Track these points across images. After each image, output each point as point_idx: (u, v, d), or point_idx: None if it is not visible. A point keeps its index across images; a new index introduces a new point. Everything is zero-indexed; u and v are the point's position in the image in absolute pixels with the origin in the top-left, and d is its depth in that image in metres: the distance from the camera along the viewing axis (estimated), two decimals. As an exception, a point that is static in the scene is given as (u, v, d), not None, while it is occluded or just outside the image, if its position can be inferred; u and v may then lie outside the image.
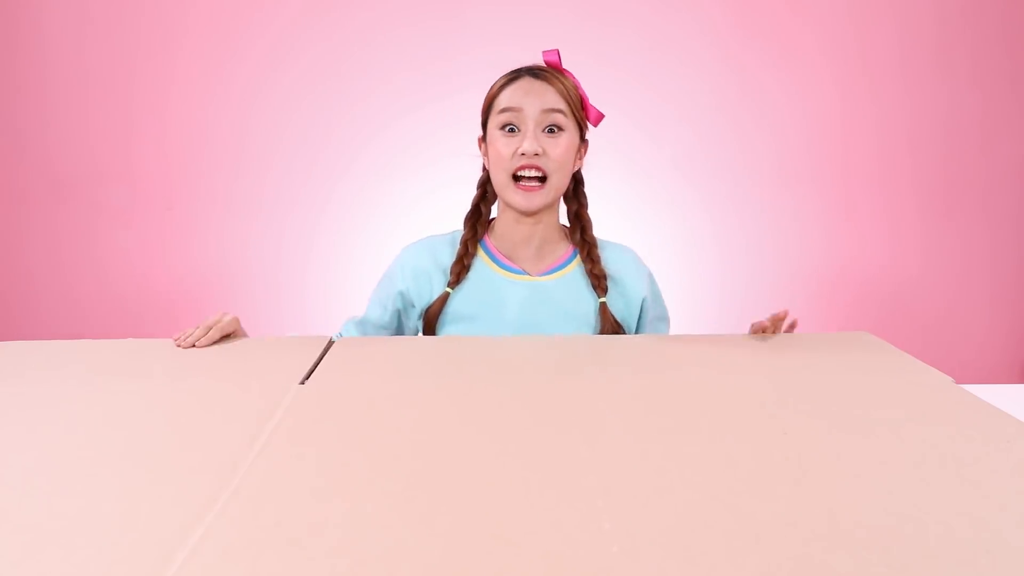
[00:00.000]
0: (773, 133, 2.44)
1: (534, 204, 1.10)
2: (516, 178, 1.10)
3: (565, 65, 1.13)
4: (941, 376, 0.86)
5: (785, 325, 1.07)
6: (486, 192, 1.20)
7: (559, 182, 1.11)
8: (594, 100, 1.15)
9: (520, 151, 1.07)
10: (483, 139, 1.17)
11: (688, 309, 2.45)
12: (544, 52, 1.13)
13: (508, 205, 1.13)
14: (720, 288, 2.52)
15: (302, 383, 0.83)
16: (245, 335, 1.10)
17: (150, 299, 2.52)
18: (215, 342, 1.03)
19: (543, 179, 1.10)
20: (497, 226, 1.20)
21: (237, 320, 1.08)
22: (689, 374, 0.88)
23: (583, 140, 1.16)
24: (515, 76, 1.11)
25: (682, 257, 2.48)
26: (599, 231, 1.22)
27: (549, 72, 1.11)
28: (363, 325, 1.21)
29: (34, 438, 0.69)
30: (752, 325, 1.08)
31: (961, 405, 0.76)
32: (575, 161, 1.15)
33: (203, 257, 2.51)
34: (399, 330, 1.22)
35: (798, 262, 2.53)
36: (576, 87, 1.12)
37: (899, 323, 2.51)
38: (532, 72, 1.11)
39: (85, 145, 2.42)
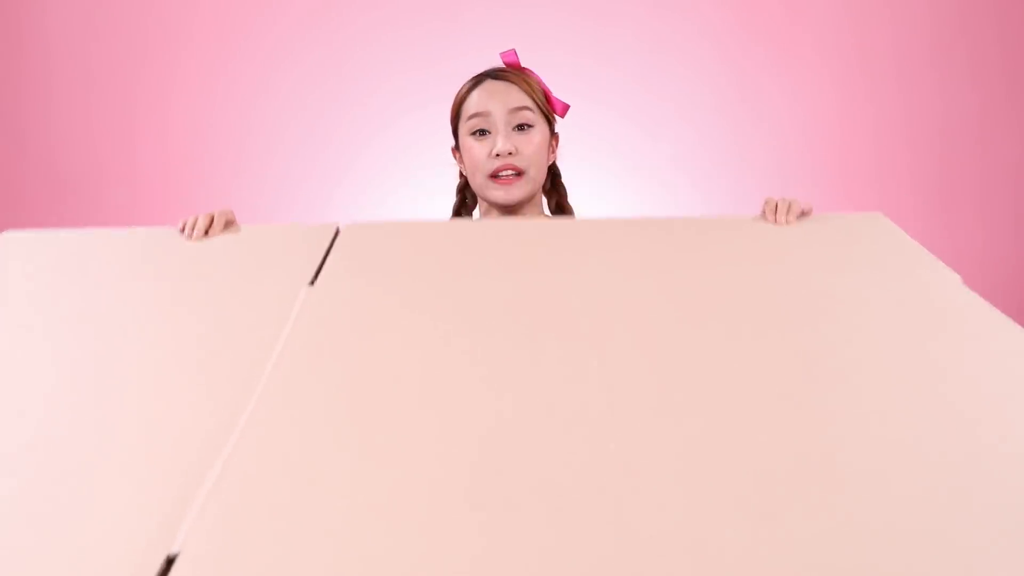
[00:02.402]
0: (772, 133, 2.44)
1: (513, 196, 1.12)
2: (494, 177, 1.12)
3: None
4: (949, 275, 0.82)
5: (797, 212, 0.98)
6: (465, 198, 1.23)
7: (536, 175, 1.14)
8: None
9: (494, 152, 1.10)
10: (456, 148, 1.19)
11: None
12: (502, 54, 1.18)
13: (489, 202, 1.15)
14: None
15: (312, 283, 0.80)
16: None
17: (151, 299, 2.52)
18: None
19: (520, 174, 1.12)
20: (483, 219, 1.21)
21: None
22: (697, 271, 0.84)
23: (554, 133, 1.19)
24: (477, 81, 1.15)
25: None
26: None
27: (510, 72, 1.14)
28: None
29: (41, 354, 0.66)
30: (766, 203, 1.00)
31: (968, 311, 0.73)
32: (549, 154, 1.17)
33: (204, 257, 2.51)
34: None
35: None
36: (539, 82, 1.16)
37: (897, 323, 2.52)
38: (493, 75, 1.14)
39: (87, 145, 2.42)
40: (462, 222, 1.12)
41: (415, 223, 1.08)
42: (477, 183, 1.14)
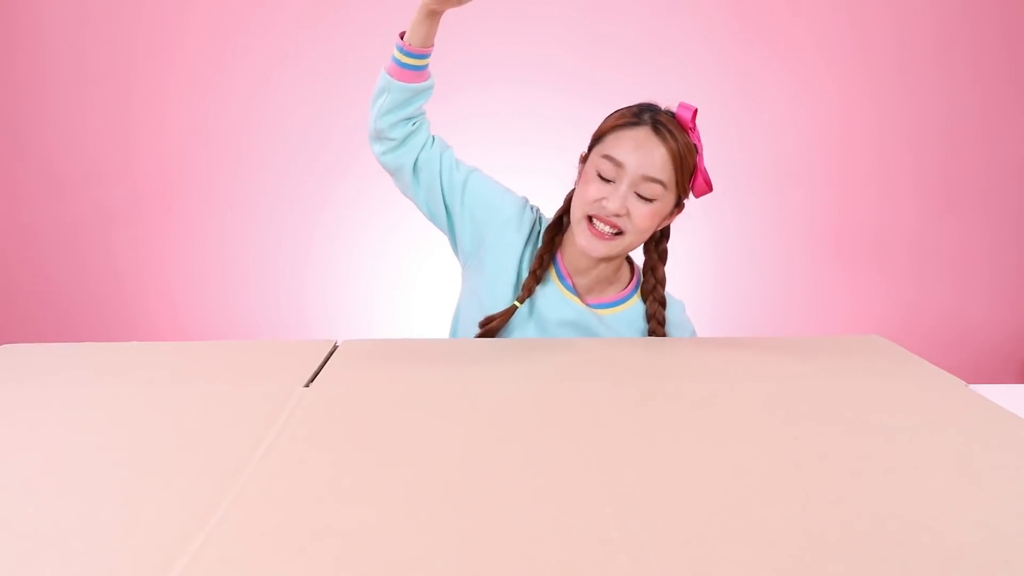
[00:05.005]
0: (773, 132, 2.43)
1: (597, 251, 1.07)
2: (590, 219, 1.06)
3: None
4: (953, 380, 0.85)
5: None
6: (570, 208, 1.14)
7: (632, 241, 1.09)
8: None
9: (603, 203, 1.04)
10: (584, 158, 1.12)
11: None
12: (681, 103, 1.07)
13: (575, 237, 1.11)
14: (715, 286, 2.52)
15: (306, 386, 0.84)
16: None
17: (150, 299, 2.52)
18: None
19: (617, 234, 1.06)
20: (570, 243, 1.15)
21: None
22: (698, 379, 0.87)
23: (679, 205, 1.11)
24: (636, 120, 1.05)
25: (680, 256, 2.47)
26: None
27: (670, 129, 1.04)
28: (447, 148, 1.26)
29: (35, 441, 0.69)
30: None
31: (976, 410, 0.76)
32: (661, 222, 1.11)
33: (203, 257, 2.50)
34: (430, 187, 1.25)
35: (796, 261, 2.53)
36: (692, 152, 1.06)
37: (898, 322, 2.51)
38: (654, 123, 1.04)
39: (85, 145, 2.42)
40: (456, 341, 1.07)
41: (412, 341, 1.09)
42: (575, 215, 1.08)
